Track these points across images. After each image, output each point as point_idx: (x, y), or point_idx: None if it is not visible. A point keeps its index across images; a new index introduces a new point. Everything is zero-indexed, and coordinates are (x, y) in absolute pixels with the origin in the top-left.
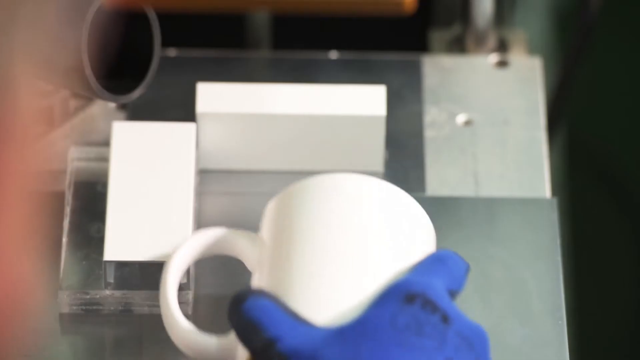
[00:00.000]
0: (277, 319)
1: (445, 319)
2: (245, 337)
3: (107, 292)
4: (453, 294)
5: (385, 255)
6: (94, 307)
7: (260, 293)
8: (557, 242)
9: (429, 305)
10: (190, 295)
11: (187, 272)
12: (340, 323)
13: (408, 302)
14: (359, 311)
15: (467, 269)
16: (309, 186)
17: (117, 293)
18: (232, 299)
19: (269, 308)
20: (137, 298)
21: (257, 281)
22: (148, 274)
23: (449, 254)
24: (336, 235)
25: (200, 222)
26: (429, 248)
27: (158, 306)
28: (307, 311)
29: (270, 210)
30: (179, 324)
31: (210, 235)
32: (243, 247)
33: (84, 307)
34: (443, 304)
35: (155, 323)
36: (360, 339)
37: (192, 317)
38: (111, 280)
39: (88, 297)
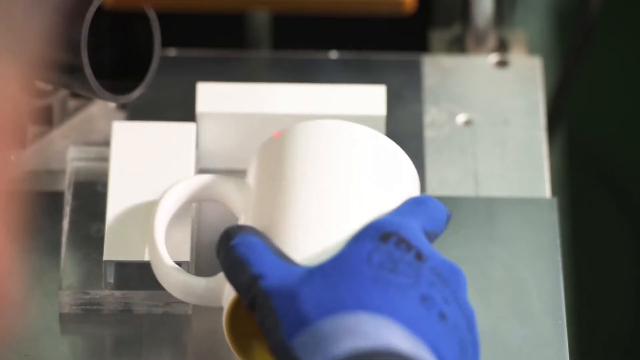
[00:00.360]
0: (263, 257)
1: (419, 256)
2: (232, 273)
3: (107, 292)
4: (431, 235)
5: (366, 198)
6: (94, 307)
7: (250, 230)
8: (557, 242)
9: (403, 243)
10: None
11: (188, 268)
12: (321, 262)
13: (383, 241)
14: (339, 250)
15: (449, 215)
16: (295, 132)
17: (117, 293)
18: (221, 235)
19: (256, 245)
20: (137, 298)
21: (243, 223)
22: (148, 274)
23: (428, 198)
24: (320, 179)
25: (200, 222)
26: (412, 193)
27: (158, 306)
28: (290, 250)
29: (256, 156)
30: (167, 265)
31: (198, 180)
32: (229, 192)
33: (83, 307)
34: (417, 242)
35: (155, 323)
36: (337, 276)
37: (192, 317)
38: (111, 280)
39: (88, 297)
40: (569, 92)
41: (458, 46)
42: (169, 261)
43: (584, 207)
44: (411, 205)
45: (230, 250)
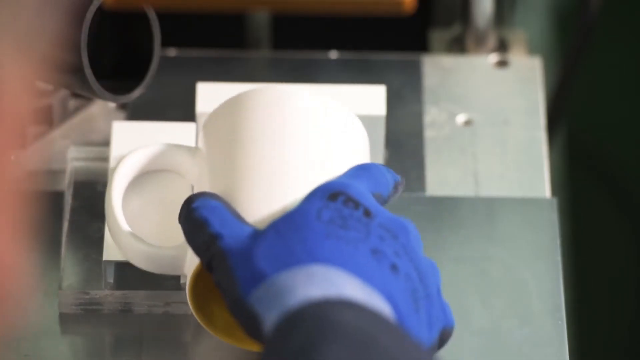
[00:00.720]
0: (222, 218)
1: (368, 213)
2: (191, 234)
3: (107, 292)
4: (379, 198)
5: (316, 163)
6: (94, 307)
7: (210, 195)
8: (557, 242)
9: (351, 202)
10: None
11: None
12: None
13: (331, 200)
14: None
15: (397, 180)
16: (244, 98)
17: (117, 293)
18: (184, 202)
19: (215, 207)
20: (137, 298)
21: (198, 190)
22: (148, 274)
23: (373, 164)
24: (270, 144)
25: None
26: (361, 160)
27: (158, 306)
28: (244, 213)
29: (207, 124)
30: (127, 235)
31: (151, 150)
32: (183, 160)
33: (83, 307)
34: (364, 201)
35: (155, 323)
36: (289, 233)
37: (192, 317)
38: (111, 280)
39: (88, 297)
40: (569, 92)
41: (458, 46)
42: (128, 230)
43: (584, 207)
44: (356, 171)
45: (191, 212)
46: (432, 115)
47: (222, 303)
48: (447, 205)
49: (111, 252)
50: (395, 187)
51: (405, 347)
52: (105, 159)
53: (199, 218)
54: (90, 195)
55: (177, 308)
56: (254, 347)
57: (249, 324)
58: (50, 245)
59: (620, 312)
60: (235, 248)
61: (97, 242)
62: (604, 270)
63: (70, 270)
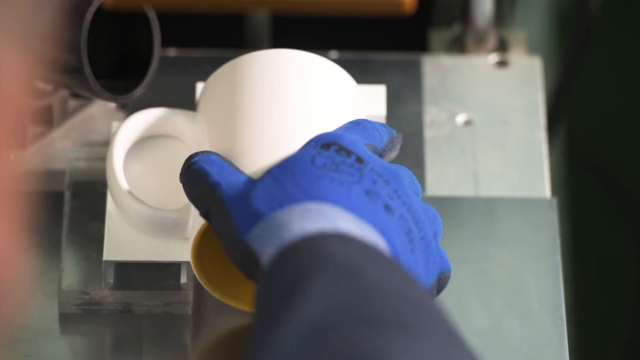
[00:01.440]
0: (221, 169)
1: (360, 160)
2: (190, 185)
3: (107, 292)
4: (373, 149)
5: (313, 120)
6: (94, 307)
7: (210, 152)
8: (557, 242)
9: (343, 150)
10: (190, 295)
11: (187, 272)
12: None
13: (324, 148)
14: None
15: (392, 134)
16: (244, 61)
17: (117, 293)
18: (185, 160)
19: (214, 160)
20: (137, 298)
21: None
22: (147, 274)
23: (366, 120)
24: (271, 103)
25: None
26: (354, 117)
27: (158, 306)
28: (244, 167)
29: (206, 88)
30: (130, 199)
31: (151, 114)
32: (182, 125)
33: (83, 307)
34: (356, 149)
35: (155, 323)
36: (284, 175)
37: (192, 317)
38: (111, 280)
39: (88, 297)
40: (569, 92)
41: (458, 46)
42: (132, 194)
43: (584, 207)
44: (349, 125)
45: (191, 165)
46: (432, 115)
47: (227, 268)
48: (447, 205)
49: (111, 252)
50: (392, 141)
51: (394, 279)
52: (105, 159)
53: (197, 170)
54: (90, 195)
55: (177, 308)
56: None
57: (248, 264)
58: (50, 245)
59: (620, 312)
60: (232, 194)
61: (97, 242)
62: (604, 270)
63: (70, 270)
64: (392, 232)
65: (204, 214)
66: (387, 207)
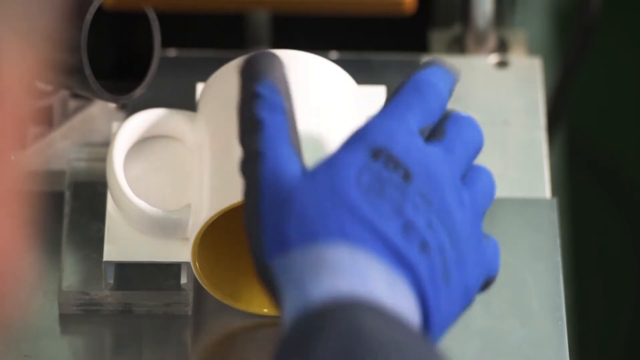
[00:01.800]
0: (278, 130)
1: (407, 175)
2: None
3: (107, 292)
4: (426, 129)
5: (310, 120)
6: (94, 308)
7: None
8: (557, 242)
9: (392, 162)
10: (190, 295)
11: (187, 272)
12: (314, 163)
13: (374, 158)
14: (331, 154)
15: (453, 80)
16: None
17: (117, 293)
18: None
19: (280, 112)
20: (137, 298)
21: (199, 155)
22: (147, 274)
23: (427, 83)
24: None
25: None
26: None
27: (158, 306)
28: None
29: (207, 88)
30: (129, 199)
31: (151, 114)
32: (182, 125)
33: (83, 308)
34: (406, 158)
35: (155, 323)
36: (326, 190)
37: (192, 317)
38: (111, 280)
39: (88, 297)
40: (569, 92)
41: (458, 46)
42: (131, 194)
43: (584, 207)
44: (408, 97)
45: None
46: None
47: (228, 268)
48: None
49: (111, 252)
50: (452, 90)
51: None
52: (105, 159)
53: (257, 118)
54: (90, 195)
55: (177, 308)
56: (259, 310)
57: (270, 289)
58: (50, 245)
59: (620, 312)
60: (271, 186)
61: (97, 242)
62: (603, 270)
63: (70, 270)
64: (423, 275)
65: (241, 170)
66: (423, 245)
